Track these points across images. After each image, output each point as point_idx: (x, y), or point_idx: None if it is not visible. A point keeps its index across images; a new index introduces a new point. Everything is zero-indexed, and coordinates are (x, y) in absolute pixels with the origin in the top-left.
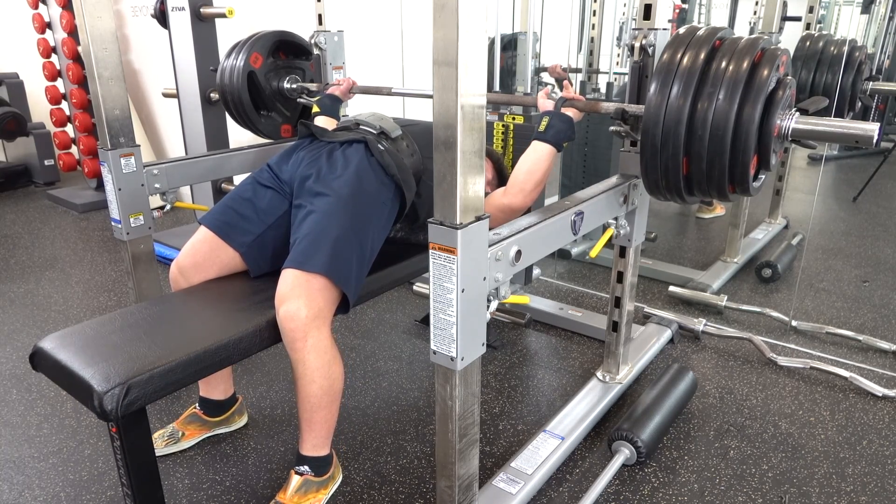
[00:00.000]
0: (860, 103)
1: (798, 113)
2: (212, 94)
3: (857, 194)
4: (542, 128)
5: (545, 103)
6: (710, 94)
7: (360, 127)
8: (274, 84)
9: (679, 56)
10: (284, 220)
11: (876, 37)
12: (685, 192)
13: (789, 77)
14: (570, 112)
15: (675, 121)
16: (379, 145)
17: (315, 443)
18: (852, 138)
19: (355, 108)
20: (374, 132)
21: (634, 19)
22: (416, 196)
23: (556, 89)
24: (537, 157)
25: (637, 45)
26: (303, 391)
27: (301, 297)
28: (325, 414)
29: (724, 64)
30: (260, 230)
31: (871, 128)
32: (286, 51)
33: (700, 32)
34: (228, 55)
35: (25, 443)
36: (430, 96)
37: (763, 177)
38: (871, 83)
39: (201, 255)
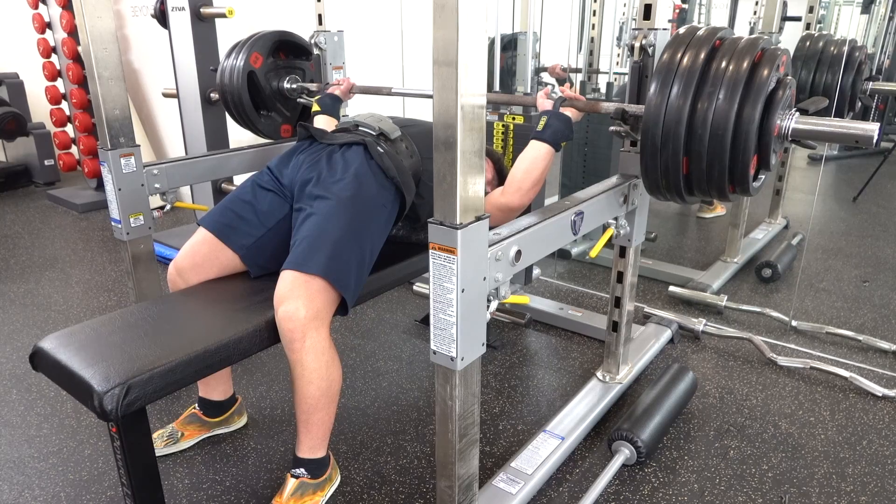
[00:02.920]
0: (860, 103)
1: (798, 113)
2: (212, 94)
3: (857, 194)
4: (540, 127)
5: (544, 103)
6: (710, 93)
7: (359, 128)
8: (274, 84)
9: (679, 56)
10: (285, 224)
11: (876, 37)
12: (685, 191)
13: (789, 77)
14: (569, 112)
15: (675, 121)
16: (378, 148)
17: (311, 445)
18: (852, 138)
19: (355, 108)
20: (374, 133)
21: (634, 19)
22: (418, 197)
23: (556, 89)
24: (535, 157)
25: (637, 45)
26: (300, 392)
27: (299, 298)
28: (323, 415)
29: (724, 64)
30: (260, 233)
31: (871, 128)
32: (286, 51)
33: (700, 32)
34: (228, 55)
35: (25, 443)
36: (430, 96)
37: (763, 177)
38: (870, 83)
39: (201, 255)
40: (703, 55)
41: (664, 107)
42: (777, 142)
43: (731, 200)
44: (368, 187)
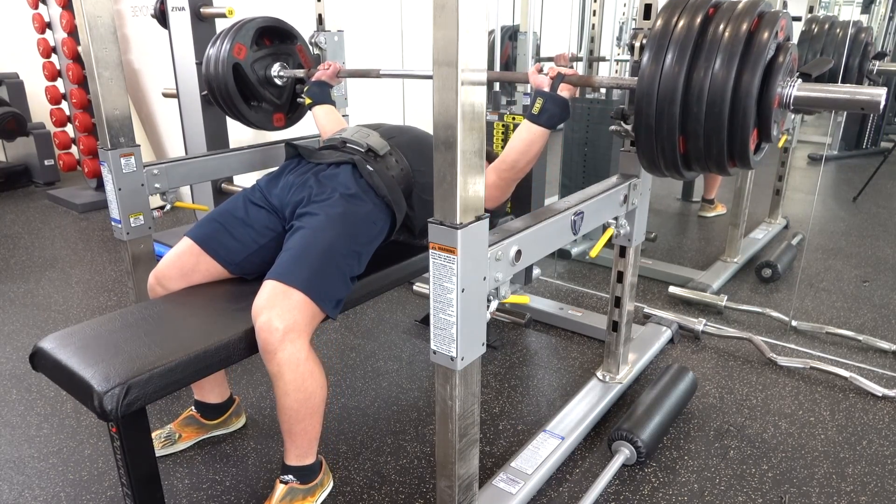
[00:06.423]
0: (867, 83)
1: (800, 80)
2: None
3: (857, 194)
4: (536, 110)
5: (538, 79)
6: (705, 63)
7: (348, 145)
8: (261, 73)
9: (673, 23)
10: (276, 242)
11: (876, 36)
12: (683, 168)
13: (790, 42)
14: (564, 92)
15: (668, 99)
16: (367, 166)
17: (298, 453)
18: (857, 105)
19: (355, 98)
20: (362, 150)
21: (634, 19)
22: (410, 209)
23: (545, 67)
24: (531, 139)
25: (637, 44)
26: (279, 403)
27: (274, 309)
28: (305, 425)
29: (720, 30)
30: (251, 250)
31: (878, 92)
32: (271, 36)
33: None
34: (212, 45)
35: (25, 443)
36: (420, 76)
37: (766, 147)
38: (877, 63)
39: (189, 266)
40: (697, 21)
41: (657, 80)
42: (779, 112)
43: (731, 174)
44: (358, 206)
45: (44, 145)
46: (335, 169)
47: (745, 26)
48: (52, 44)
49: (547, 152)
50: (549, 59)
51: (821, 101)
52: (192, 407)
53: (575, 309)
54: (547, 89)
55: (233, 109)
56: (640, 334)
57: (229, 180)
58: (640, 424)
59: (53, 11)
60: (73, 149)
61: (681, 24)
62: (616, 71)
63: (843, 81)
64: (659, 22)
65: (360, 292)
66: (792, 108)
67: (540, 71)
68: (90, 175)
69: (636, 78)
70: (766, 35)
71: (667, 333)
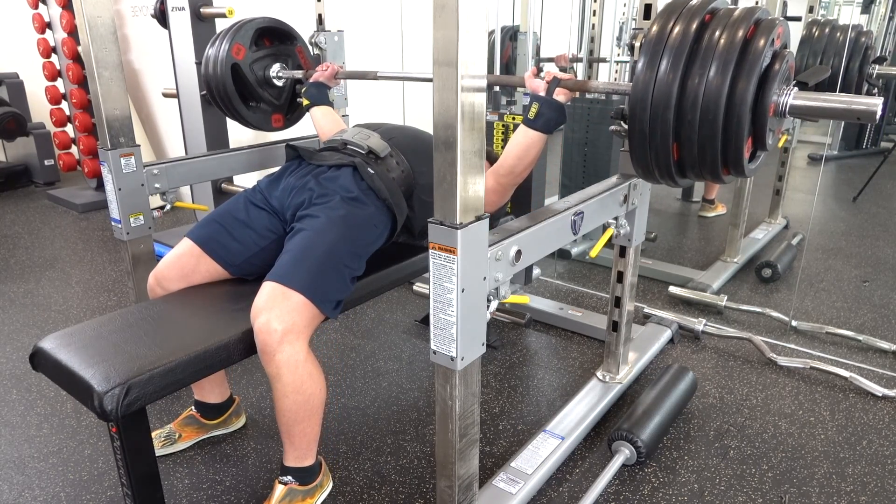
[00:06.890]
0: (866, 87)
1: (797, 88)
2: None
3: (857, 194)
4: (531, 115)
5: (534, 83)
6: (700, 70)
7: (348, 147)
8: (260, 74)
9: (668, 29)
10: (276, 244)
11: (876, 36)
12: (678, 175)
13: (787, 49)
14: (560, 96)
15: (663, 105)
16: (369, 168)
17: (297, 455)
18: (854, 114)
19: (355, 98)
20: (363, 152)
21: (634, 19)
22: (410, 210)
23: (543, 71)
24: (528, 144)
25: (637, 44)
26: (277, 404)
27: (274, 310)
28: (304, 427)
29: (715, 37)
30: (252, 252)
31: (875, 102)
32: (271, 37)
33: (692, 2)
34: (211, 45)
35: (25, 443)
36: (419, 79)
37: (761, 155)
38: (877, 67)
39: (189, 267)
40: (693, 28)
41: (651, 87)
42: (774, 121)
43: (726, 182)
44: (359, 209)
45: (44, 145)
46: (336, 171)
47: (740, 33)
48: (52, 44)
49: (547, 153)
50: (550, 60)
51: (817, 111)
52: (192, 407)
53: (575, 309)
54: (543, 94)
55: (231, 110)
56: (640, 334)
57: (229, 180)
58: (640, 424)
59: (53, 11)
60: (73, 149)
61: (676, 30)
62: (616, 72)
63: (843, 85)
64: (654, 28)
65: (360, 292)
66: (788, 116)
67: (537, 74)
68: (90, 175)
69: (632, 84)
70: (762, 42)
71: (667, 333)
